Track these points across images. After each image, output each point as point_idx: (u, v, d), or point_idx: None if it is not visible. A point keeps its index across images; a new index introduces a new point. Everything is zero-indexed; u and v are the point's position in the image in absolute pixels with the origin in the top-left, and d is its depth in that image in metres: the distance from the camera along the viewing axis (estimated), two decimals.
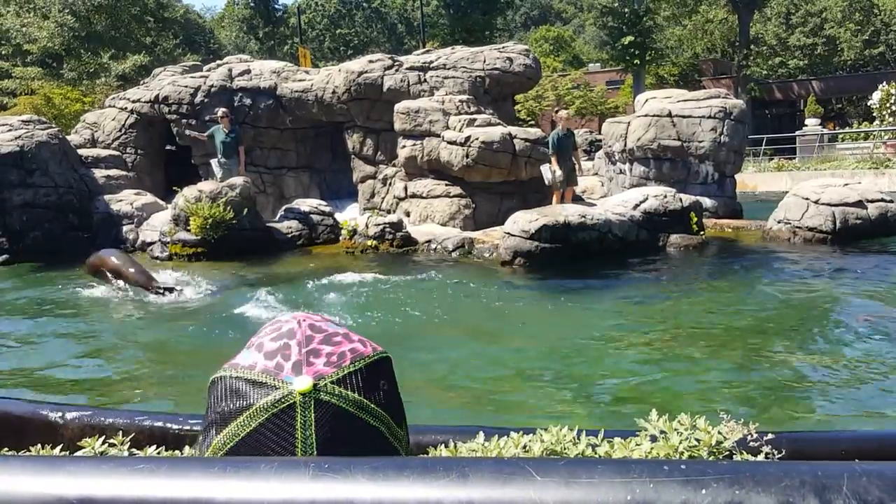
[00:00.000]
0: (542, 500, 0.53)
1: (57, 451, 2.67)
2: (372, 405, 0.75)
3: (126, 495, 0.60)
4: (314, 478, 0.58)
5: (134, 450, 2.67)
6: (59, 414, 4.17)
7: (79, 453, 2.57)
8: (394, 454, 0.77)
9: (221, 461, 0.62)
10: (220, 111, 14.26)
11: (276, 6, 57.13)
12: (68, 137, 16.58)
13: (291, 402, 0.72)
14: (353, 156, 16.13)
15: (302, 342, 0.77)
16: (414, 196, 14.59)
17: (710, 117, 13.56)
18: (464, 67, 15.81)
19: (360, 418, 0.74)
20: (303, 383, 0.73)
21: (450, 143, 13.77)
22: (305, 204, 14.37)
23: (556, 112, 13.44)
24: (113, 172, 16.00)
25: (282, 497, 0.57)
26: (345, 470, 0.58)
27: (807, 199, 12.13)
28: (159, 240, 13.44)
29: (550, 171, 12.62)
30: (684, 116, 13.73)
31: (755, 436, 2.01)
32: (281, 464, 0.60)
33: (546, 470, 0.54)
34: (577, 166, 13.09)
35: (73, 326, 8.58)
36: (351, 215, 15.17)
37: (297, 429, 0.72)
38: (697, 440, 1.98)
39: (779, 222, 12.31)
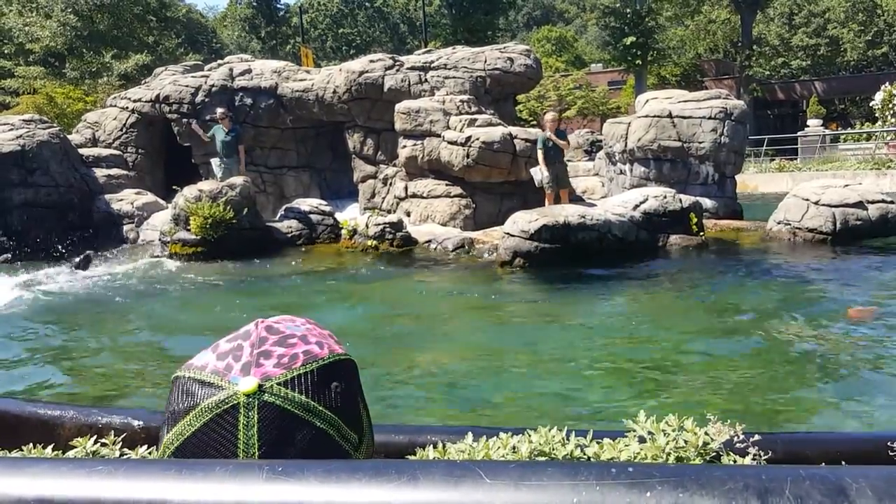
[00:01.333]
0: (492, 503, 0.53)
1: (49, 450, 2.67)
2: (320, 408, 0.75)
3: (83, 496, 0.61)
4: (267, 480, 0.58)
5: (126, 449, 2.67)
6: (56, 413, 4.18)
7: (70, 453, 2.57)
8: (343, 457, 0.76)
9: (178, 464, 0.62)
10: (220, 111, 14.28)
11: (279, 5, 57.22)
12: (70, 137, 16.62)
13: (235, 402, 0.73)
14: (353, 155, 16.15)
15: (255, 343, 0.78)
16: (414, 196, 14.60)
17: (710, 118, 13.54)
18: (465, 67, 15.81)
19: (306, 420, 0.74)
20: (248, 384, 0.73)
21: (450, 143, 13.77)
22: (306, 203, 14.38)
23: (544, 114, 13.35)
24: (114, 172, 16.04)
25: (235, 499, 0.58)
26: (297, 473, 0.58)
27: (807, 199, 12.11)
28: (159, 239, 13.46)
29: (540, 173, 12.57)
30: (685, 117, 13.71)
31: (742, 437, 2.01)
32: (235, 466, 0.61)
33: (496, 472, 0.54)
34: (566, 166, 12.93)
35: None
36: (351, 215, 15.17)
37: (239, 429, 0.72)
38: (685, 441, 1.98)
39: (779, 223, 12.29)
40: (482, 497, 0.53)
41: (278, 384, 0.74)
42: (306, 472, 0.59)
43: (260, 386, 0.73)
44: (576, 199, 14.44)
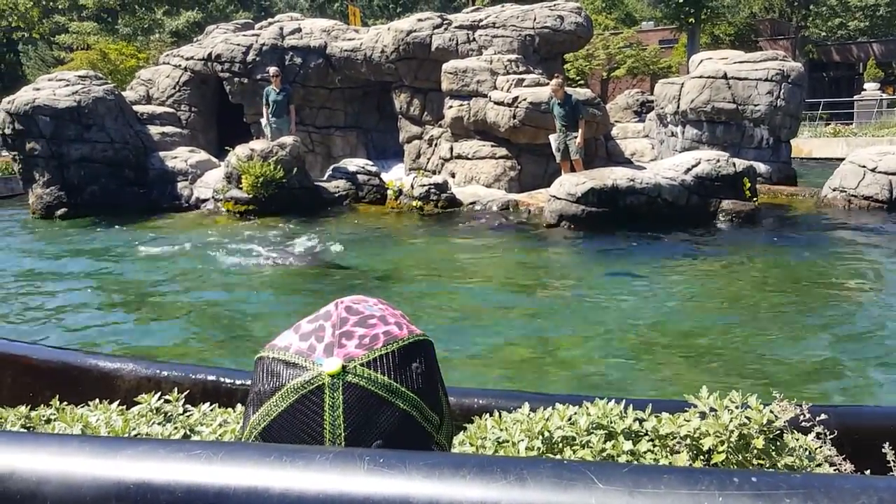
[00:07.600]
0: None
1: (114, 406, 2.74)
2: (402, 389, 0.75)
3: (181, 480, 0.61)
4: (369, 472, 0.57)
5: (188, 406, 2.73)
6: (115, 365, 4.28)
7: (134, 409, 2.63)
8: (426, 439, 0.77)
9: (277, 450, 0.62)
10: (273, 70, 14.28)
11: None
12: (124, 94, 16.79)
13: (320, 383, 0.74)
14: (400, 116, 16.08)
15: (336, 324, 0.78)
16: (459, 157, 14.52)
17: (766, 80, 13.19)
18: (513, 26, 15.57)
19: (390, 402, 0.74)
20: (332, 365, 0.74)
21: (497, 103, 13.63)
22: (353, 164, 14.42)
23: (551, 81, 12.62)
24: (168, 129, 16.20)
25: (337, 490, 0.57)
26: (399, 465, 0.57)
27: (864, 166, 11.78)
28: (212, 197, 13.68)
29: (553, 140, 12.29)
30: (740, 79, 13.38)
31: (807, 416, 1.97)
32: (335, 455, 0.60)
33: (609, 477, 0.52)
34: (577, 139, 12.14)
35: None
36: (397, 175, 15.17)
37: (325, 410, 0.73)
38: (748, 419, 1.95)
39: (834, 190, 11.99)
40: (594, 502, 0.52)
41: (361, 365, 0.74)
42: (408, 464, 0.57)
43: (343, 367, 0.74)
44: (624, 161, 14.22)
